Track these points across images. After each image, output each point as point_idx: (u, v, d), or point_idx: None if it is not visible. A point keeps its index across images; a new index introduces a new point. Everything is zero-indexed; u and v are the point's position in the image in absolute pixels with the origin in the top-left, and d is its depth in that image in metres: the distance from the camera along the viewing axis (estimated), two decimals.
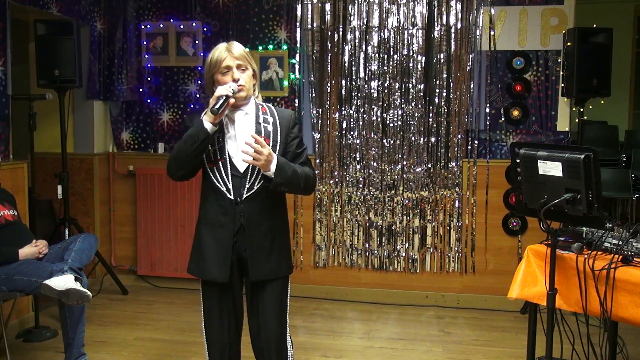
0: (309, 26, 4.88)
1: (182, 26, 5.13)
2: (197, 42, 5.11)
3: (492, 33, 4.67)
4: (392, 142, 4.83)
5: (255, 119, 2.55)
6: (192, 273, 2.60)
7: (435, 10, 4.71)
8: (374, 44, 4.80)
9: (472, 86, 4.72)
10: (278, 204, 2.61)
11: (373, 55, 4.80)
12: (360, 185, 4.89)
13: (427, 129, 4.78)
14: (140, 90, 5.25)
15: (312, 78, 4.91)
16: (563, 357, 2.80)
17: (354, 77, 4.84)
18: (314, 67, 4.89)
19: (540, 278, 2.78)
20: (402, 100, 4.79)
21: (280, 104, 4.97)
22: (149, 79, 5.24)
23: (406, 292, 4.89)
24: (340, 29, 4.83)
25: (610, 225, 2.67)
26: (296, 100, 4.97)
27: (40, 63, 4.47)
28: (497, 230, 4.76)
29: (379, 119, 4.83)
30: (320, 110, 4.92)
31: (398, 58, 4.77)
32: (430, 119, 4.77)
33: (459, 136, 4.75)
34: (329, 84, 4.88)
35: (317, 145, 4.94)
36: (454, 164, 4.76)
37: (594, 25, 4.45)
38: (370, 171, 4.87)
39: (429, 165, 4.80)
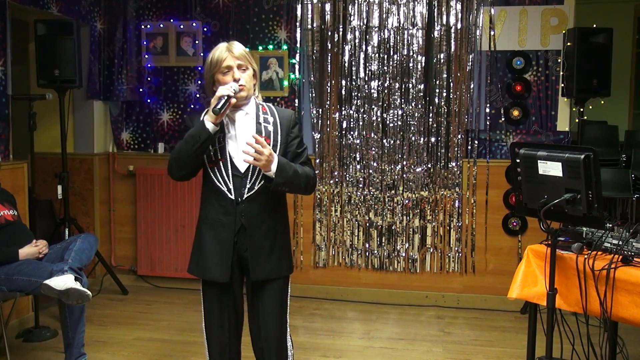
0: (309, 26, 4.88)
1: (182, 26, 5.13)
2: (197, 42, 5.11)
3: (492, 33, 4.67)
4: (392, 142, 4.83)
5: (256, 119, 2.55)
6: (193, 273, 2.60)
7: (435, 10, 4.71)
8: (374, 44, 4.80)
9: (472, 86, 4.72)
10: (279, 204, 2.61)
11: (373, 55, 4.80)
12: (360, 185, 4.89)
13: (427, 129, 4.78)
14: (140, 90, 5.25)
15: (312, 78, 4.91)
16: (563, 357, 2.80)
17: (354, 77, 4.84)
18: (314, 67, 4.89)
19: (540, 278, 2.78)
20: (402, 100, 4.79)
21: (280, 104, 4.97)
22: (149, 79, 5.24)
23: (406, 292, 4.89)
24: (340, 29, 4.83)
25: (610, 225, 2.67)
26: (296, 100, 4.97)
27: (40, 63, 4.47)
28: (497, 230, 4.76)
29: (379, 119, 4.83)
30: (320, 110, 4.92)
31: (398, 58, 4.77)
32: (430, 119, 4.77)
33: (459, 136, 4.75)
34: (329, 84, 4.88)
35: (317, 145, 4.94)
36: (454, 164, 4.76)
37: (594, 25, 4.45)
38: (370, 171, 4.87)
39: (429, 165, 4.80)
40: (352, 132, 4.88)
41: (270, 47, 4.99)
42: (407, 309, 4.80)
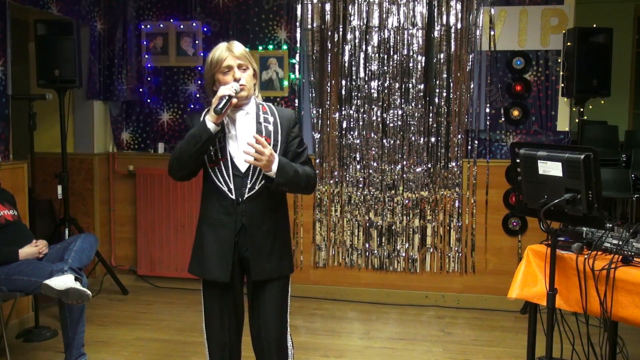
0: (309, 26, 4.88)
1: (182, 26, 5.13)
2: (197, 42, 5.11)
3: (492, 33, 4.67)
4: (392, 142, 4.83)
5: (256, 119, 2.55)
6: (193, 273, 2.60)
7: (435, 10, 4.71)
8: (374, 44, 4.80)
9: (472, 86, 4.72)
10: (279, 203, 2.61)
11: (373, 55, 4.80)
12: (360, 185, 4.89)
13: (427, 129, 4.78)
14: (140, 90, 5.25)
15: (312, 78, 4.91)
16: (563, 357, 2.80)
17: (354, 77, 4.84)
18: (314, 67, 4.89)
19: (540, 278, 2.78)
20: (402, 100, 4.79)
21: (280, 104, 4.97)
22: (149, 79, 5.24)
23: (406, 292, 4.89)
24: (340, 29, 4.83)
25: (610, 225, 2.67)
26: (296, 100, 4.97)
27: (40, 63, 4.47)
28: (497, 230, 4.76)
29: (379, 119, 4.83)
30: (320, 110, 4.92)
31: (398, 58, 4.77)
32: (430, 119, 4.77)
33: (459, 136, 4.75)
34: (329, 84, 4.88)
35: (317, 145, 4.94)
36: (454, 164, 4.76)
37: (594, 25, 4.45)
38: (370, 171, 4.87)
39: (429, 165, 4.80)
40: (352, 132, 4.88)
41: (270, 47, 4.99)
42: (407, 309, 4.80)
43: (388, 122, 4.82)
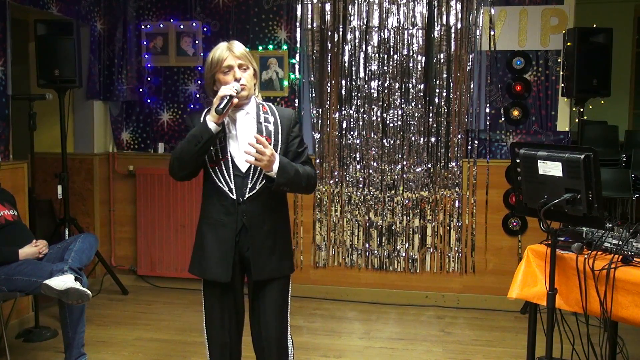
0: (309, 26, 4.88)
1: (182, 26, 5.13)
2: (197, 42, 5.11)
3: (492, 33, 4.67)
4: (392, 142, 4.83)
5: (257, 119, 2.55)
6: (194, 273, 2.60)
7: (435, 10, 4.71)
8: (374, 44, 4.80)
9: (472, 86, 4.72)
10: (280, 203, 2.61)
11: (373, 55, 4.80)
12: (360, 185, 4.89)
13: (427, 129, 4.78)
14: (140, 90, 5.25)
15: (312, 78, 4.91)
16: (563, 357, 2.80)
17: (354, 77, 4.84)
18: (314, 67, 4.89)
19: (540, 278, 2.78)
20: (402, 100, 4.79)
21: (280, 104, 4.97)
22: (149, 79, 5.24)
23: (406, 292, 4.89)
24: (340, 29, 4.83)
25: (610, 225, 2.67)
26: (296, 100, 4.97)
27: (40, 63, 4.47)
28: (497, 230, 4.76)
29: (379, 119, 4.83)
30: (320, 110, 4.92)
31: (398, 58, 4.77)
32: (430, 119, 4.77)
33: (459, 136, 4.75)
34: (329, 84, 4.88)
35: (317, 145, 4.94)
36: (454, 164, 4.76)
37: (594, 25, 4.45)
38: (370, 171, 4.87)
39: (429, 165, 4.80)
40: (352, 132, 4.88)
41: (270, 47, 4.99)
42: (407, 309, 4.80)
43: (388, 122, 4.82)
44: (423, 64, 4.75)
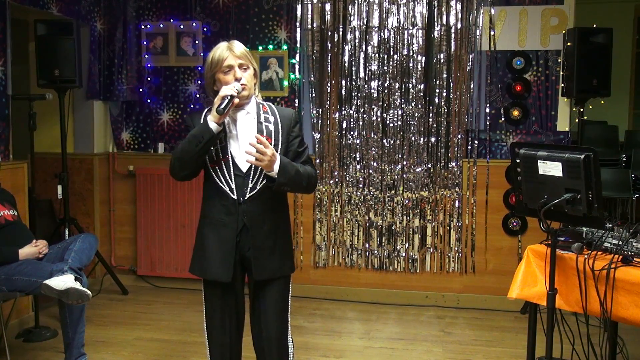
0: (309, 26, 4.89)
1: (182, 26, 5.13)
2: (197, 42, 5.11)
3: (492, 33, 4.68)
4: (392, 142, 4.83)
5: (257, 118, 2.55)
6: (195, 273, 2.60)
7: (435, 10, 4.71)
8: (374, 44, 4.80)
9: (472, 86, 4.72)
10: (280, 203, 2.61)
11: (373, 55, 4.80)
12: (360, 185, 4.89)
13: (427, 129, 4.78)
14: (140, 90, 5.25)
15: (312, 78, 4.91)
16: (563, 357, 2.80)
17: (354, 77, 4.84)
18: (314, 67, 4.89)
19: (540, 278, 2.78)
20: (402, 100, 4.79)
21: (280, 104, 4.97)
22: (149, 79, 5.24)
23: (406, 292, 4.89)
24: (340, 29, 4.83)
25: (610, 225, 2.67)
26: (296, 100, 4.97)
27: (40, 63, 4.47)
28: (497, 230, 4.76)
29: (379, 119, 4.83)
30: (320, 110, 4.92)
31: (398, 58, 4.77)
32: (430, 119, 4.77)
33: (459, 136, 4.75)
34: (329, 84, 4.88)
35: (317, 145, 4.94)
36: (454, 164, 4.76)
37: (594, 25, 4.45)
38: (370, 171, 4.87)
39: (429, 165, 4.80)
40: (352, 132, 4.88)
41: (270, 47, 4.99)
42: (407, 309, 4.80)
43: (388, 122, 4.82)
44: (423, 64, 4.75)
